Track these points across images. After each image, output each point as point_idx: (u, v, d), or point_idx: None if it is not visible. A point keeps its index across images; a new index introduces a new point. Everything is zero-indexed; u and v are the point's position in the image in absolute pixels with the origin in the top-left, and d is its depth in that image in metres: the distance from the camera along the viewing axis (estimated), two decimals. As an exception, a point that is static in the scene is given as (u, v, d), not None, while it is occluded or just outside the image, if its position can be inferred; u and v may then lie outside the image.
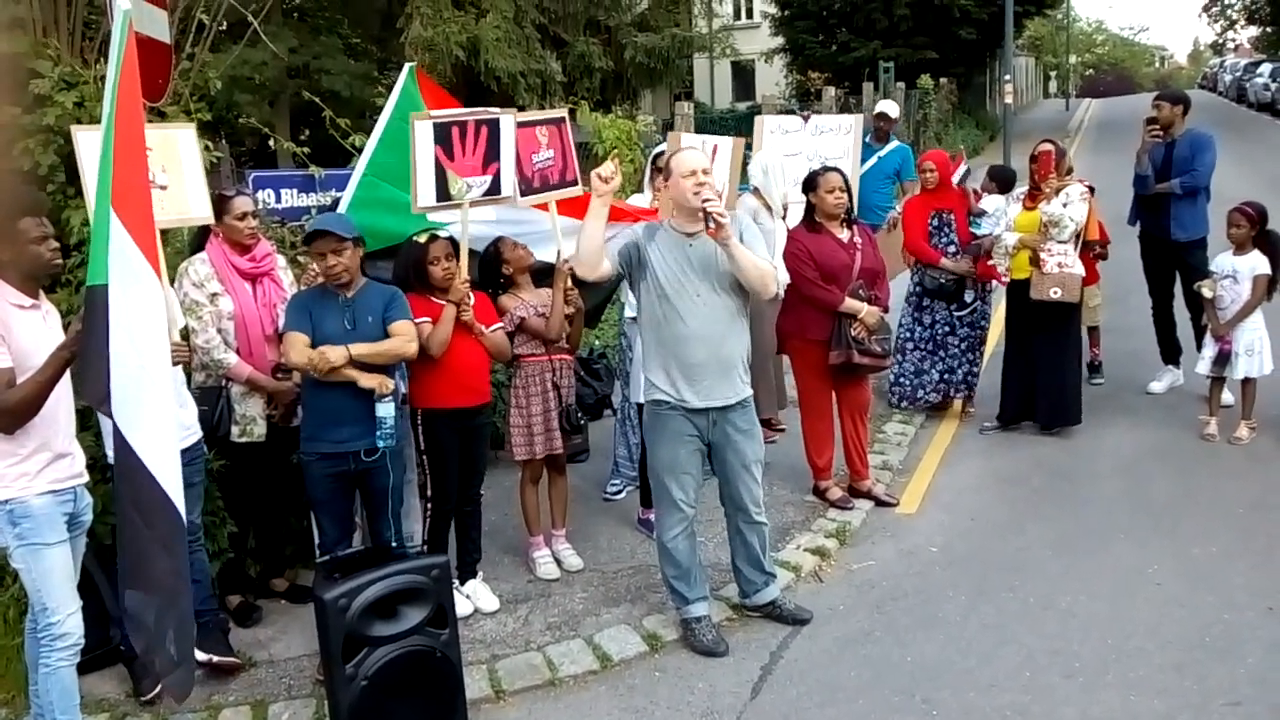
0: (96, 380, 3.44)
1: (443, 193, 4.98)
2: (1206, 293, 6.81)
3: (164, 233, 4.68)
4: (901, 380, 7.60)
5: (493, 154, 5.14)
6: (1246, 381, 6.78)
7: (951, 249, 7.27)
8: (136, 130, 3.58)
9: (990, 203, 7.48)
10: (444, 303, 4.82)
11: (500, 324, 5.10)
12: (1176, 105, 7.58)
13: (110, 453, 4.08)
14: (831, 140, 7.26)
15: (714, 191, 4.43)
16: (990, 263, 7.10)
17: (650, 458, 4.73)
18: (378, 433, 4.41)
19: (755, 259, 4.49)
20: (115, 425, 3.46)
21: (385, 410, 4.41)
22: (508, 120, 5.21)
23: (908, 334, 7.51)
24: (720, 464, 4.72)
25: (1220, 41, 58.42)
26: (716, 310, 4.53)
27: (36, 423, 3.60)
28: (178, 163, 4.53)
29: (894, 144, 9.31)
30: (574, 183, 5.57)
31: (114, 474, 3.57)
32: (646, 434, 4.75)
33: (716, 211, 4.30)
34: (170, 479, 3.51)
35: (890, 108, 9.80)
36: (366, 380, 4.36)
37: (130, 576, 3.55)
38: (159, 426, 3.52)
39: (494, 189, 5.17)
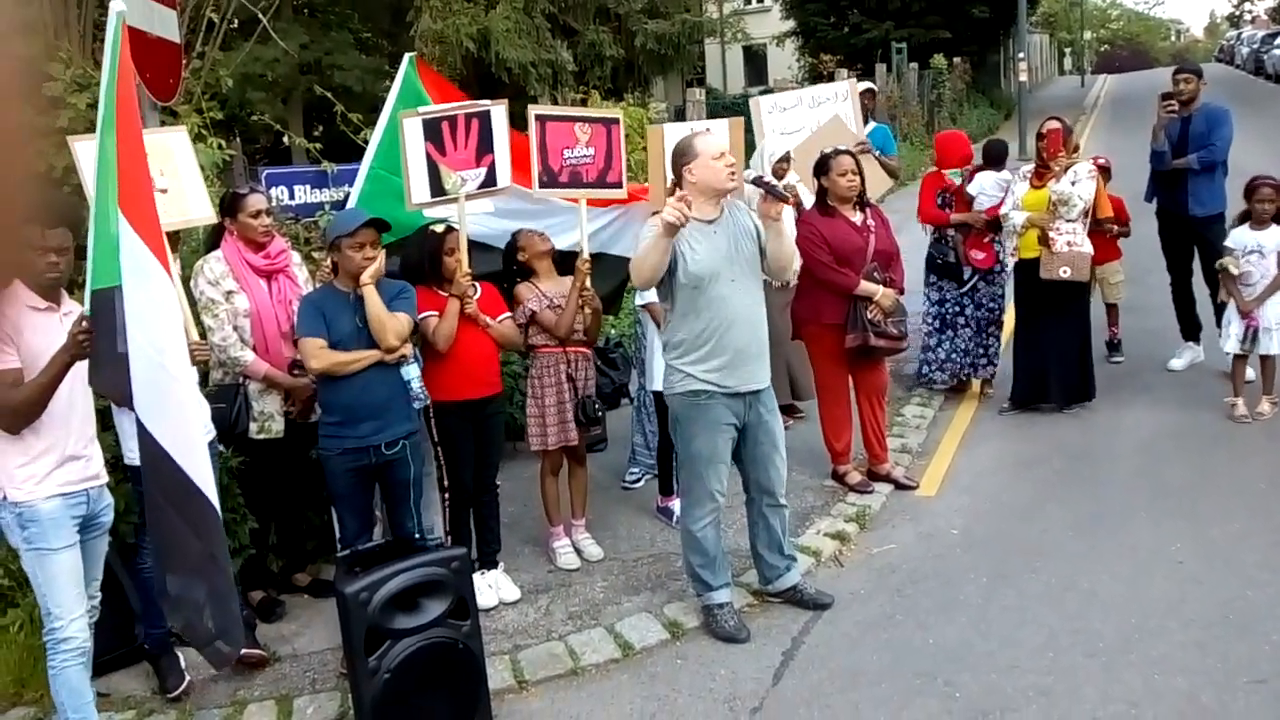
0: (115, 379, 3.50)
1: (436, 188, 4.98)
2: (1233, 269, 6.73)
3: (176, 233, 4.71)
4: (926, 357, 7.67)
5: (485, 146, 5.12)
6: (1267, 357, 6.73)
7: (951, 230, 7.39)
8: (135, 129, 3.62)
9: (978, 182, 7.39)
10: (449, 296, 4.84)
11: (508, 314, 5.10)
12: (1201, 79, 7.53)
13: (128, 453, 4.13)
14: (831, 109, 7.19)
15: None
16: (973, 252, 7.13)
17: (685, 448, 4.67)
18: (409, 395, 4.49)
19: (792, 240, 4.56)
20: (138, 418, 3.53)
21: (409, 373, 4.50)
22: (498, 111, 5.18)
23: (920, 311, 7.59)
24: (752, 446, 4.70)
25: (1237, 14, 58.00)
26: (749, 294, 4.54)
27: (46, 423, 3.63)
28: (174, 165, 4.56)
29: (872, 124, 9.22)
30: (617, 184, 5.52)
31: (141, 464, 3.65)
32: (682, 426, 4.65)
33: (787, 185, 4.29)
34: (197, 468, 3.58)
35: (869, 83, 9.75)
36: (391, 357, 4.44)
37: (164, 560, 3.67)
38: (183, 418, 3.60)
39: (489, 181, 5.15)
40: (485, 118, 5.12)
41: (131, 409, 3.56)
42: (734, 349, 4.49)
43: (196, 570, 3.61)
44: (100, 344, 3.53)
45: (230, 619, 3.71)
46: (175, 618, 3.74)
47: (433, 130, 4.98)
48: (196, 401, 3.79)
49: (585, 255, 5.26)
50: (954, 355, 7.48)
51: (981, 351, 7.44)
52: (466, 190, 5.04)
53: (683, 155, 4.54)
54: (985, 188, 7.26)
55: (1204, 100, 7.55)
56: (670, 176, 5.68)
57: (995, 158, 7.55)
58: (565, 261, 5.46)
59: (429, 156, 4.96)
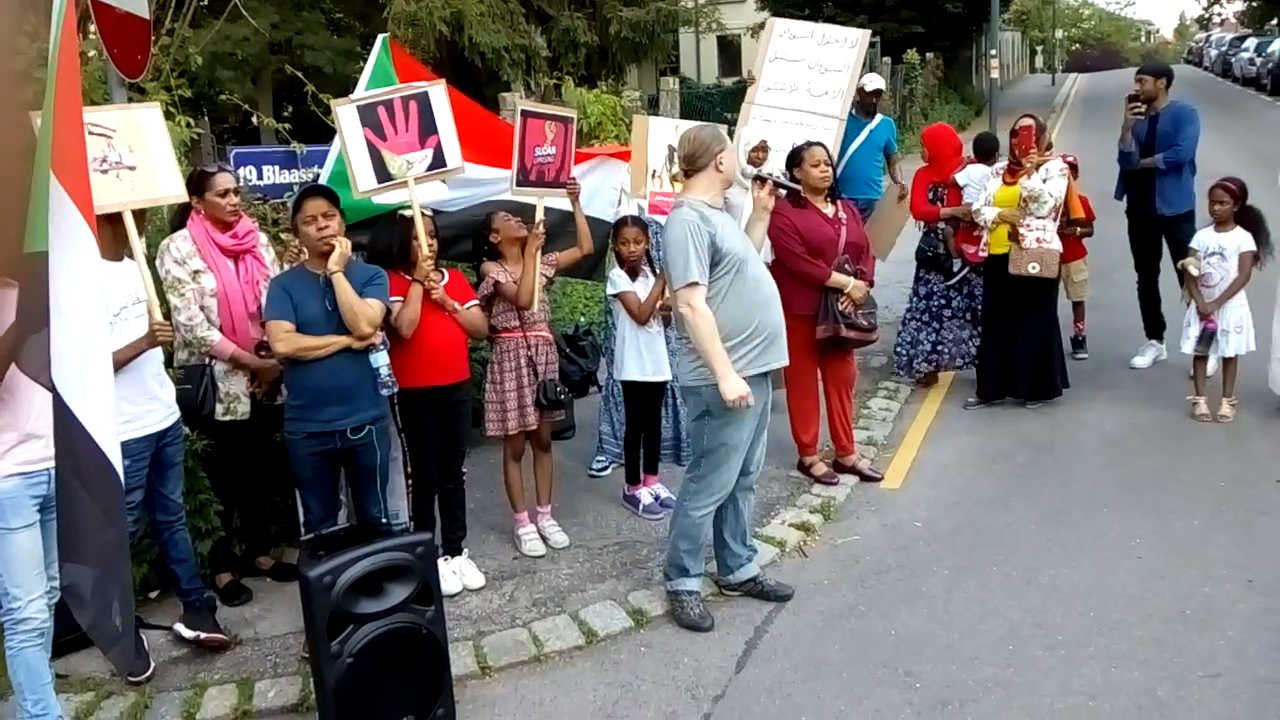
0: (38, 349, 3.35)
1: (382, 174, 4.92)
2: (1193, 270, 6.80)
3: (142, 211, 4.65)
4: (899, 350, 7.76)
5: (428, 127, 5.03)
6: (1228, 360, 6.79)
7: (941, 223, 7.49)
8: (74, 95, 3.48)
9: (968, 173, 7.45)
10: (412, 281, 4.81)
11: (475, 301, 5.08)
12: (1159, 79, 7.59)
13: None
14: (836, 52, 7.11)
15: None
16: (966, 246, 7.21)
17: (713, 437, 4.58)
18: (378, 381, 4.44)
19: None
20: (57, 394, 3.33)
21: (378, 360, 4.44)
22: (437, 91, 5.10)
23: (908, 304, 7.73)
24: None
25: (1206, 16, 58.45)
26: (767, 272, 4.65)
27: (6, 401, 3.56)
28: (144, 142, 4.47)
29: (879, 117, 9.27)
30: (563, 185, 5.49)
31: (55, 442, 3.42)
32: (715, 416, 4.52)
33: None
34: (111, 446, 3.44)
35: (879, 82, 9.74)
36: (359, 345, 4.39)
37: (71, 550, 3.46)
38: (100, 392, 3.44)
39: (438, 162, 5.08)
40: (424, 99, 5.03)
41: (48, 385, 3.37)
42: (771, 326, 4.54)
43: (106, 562, 3.45)
44: (26, 312, 3.35)
45: (131, 621, 3.60)
46: (83, 614, 3.50)
47: (369, 116, 4.90)
48: (112, 376, 3.58)
49: (540, 229, 5.24)
50: (940, 347, 7.55)
51: (968, 343, 7.52)
52: (414, 173, 4.98)
53: (718, 142, 4.54)
54: (974, 179, 7.31)
55: (1172, 99, 7.61)
56: (657, 166, 5.72)
57: (985, 151, 7.61)
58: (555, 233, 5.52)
59: (369, 143, 4.89)
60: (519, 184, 5.29)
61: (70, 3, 3.45)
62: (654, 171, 5.63)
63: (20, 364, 3.43)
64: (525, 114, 5.28)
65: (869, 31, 7.57)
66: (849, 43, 7.14)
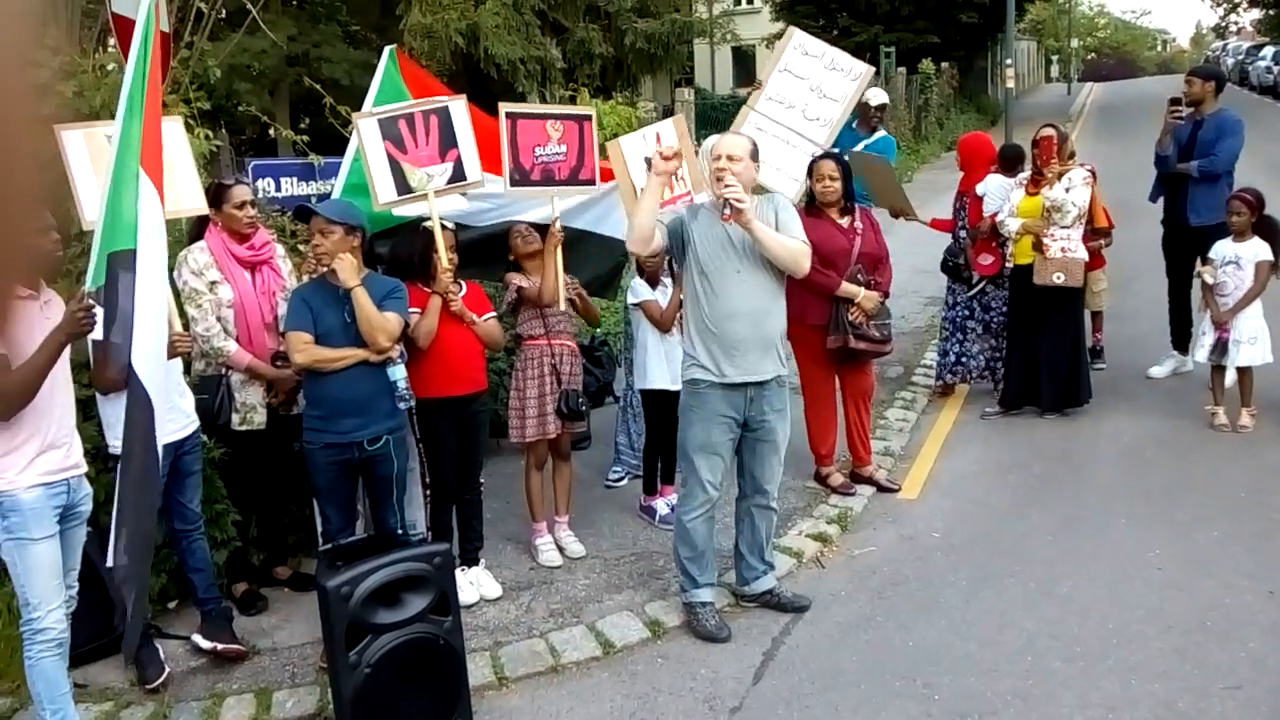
0: (120, 345, 3.50)
1: (403, 186, 4.95)
2: (1208, 279, 6.78)
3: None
4: (942, 361, 7.81)
5: (449, 141, 5.07)
6: (1243, 370, 6.75)
7: (962, 232, 7.49)
8: (156, 101, 3.70)
9: (987, 183, 7.42)
10: (431, 293, 4.83)
11: (493, 313, 5.10)
12: (1208, 82, 7.47)
13: (112, 442, 4.11)
14: (837, 81, 7.04)
15: (734, 178, 4.43)
16: (981, 257, 7.21)
17: (682, 436, 4.71)
18: (395, 395, 4.47)
19: (782, 239, 4.55)
20: (139, 384, 3.51)
21: (396, 373, 4.47)
22: (458, 106, 5.14)
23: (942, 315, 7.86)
24: (752, 442, 4.72)
25: (1223, 25, 58.36)
26: (755, 287, 4.57)
27: (28, 412, 3.60)
28: (166, 155, 4.52)
29: (880, 133, 9.21)
30: (590, 181, 5.49)
31: (126, 438, 3.60)
32: (682, 414, 4.72)
33: (733, 197, 4.35)
34: (158, 441, 3.64)
35: (882, 97, 9.70)
36: (376, 358, 4.40)
37: (124, 542, 3.63)
38: (167, 384, 3.70)
39: (457, 175, 5.11)
40: (444, 113, 5.07)
41: (127, 381, 3.55)
42: (730, 340, 4.52)
43: (137, 554, 3.62)
44: (116, 310, 3.55)
45: (140, 614, 3.74)
46: (119, 599, 3.73)
47: (390, 130, 4.94)
48: (169, 370, 3.80)
49: (557, 226, 5.24)
50: (964, 359, 7.54)
51: (991, 354, 7.51)
52: (434, 186, 5.00)
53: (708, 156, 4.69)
54: (992, 190, 7.28)
55: (1221, 107, 7.49)
56: (643, 184, 5.71)
57: (1008, 162, 7.56)
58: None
59: (390, 156, 4.93)
60: (514, 184, 5.28)
61: (158, 23, 3.55)
62: (642, 189, 5.60)
63: (102, 362, 3.56)
64: (510, 116, 5.28)
65: (873, 69, 7.53)
66: (851, 74, 7.08)
